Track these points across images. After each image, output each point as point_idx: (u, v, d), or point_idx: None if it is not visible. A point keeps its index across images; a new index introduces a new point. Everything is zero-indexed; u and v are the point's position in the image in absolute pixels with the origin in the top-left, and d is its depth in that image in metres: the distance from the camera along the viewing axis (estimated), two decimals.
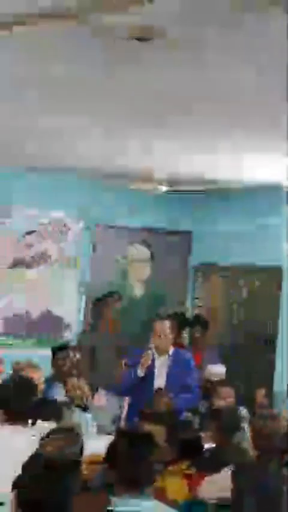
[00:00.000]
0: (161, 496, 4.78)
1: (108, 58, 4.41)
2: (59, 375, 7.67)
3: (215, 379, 8.21)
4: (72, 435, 4.30)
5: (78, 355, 8.02)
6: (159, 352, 7.25)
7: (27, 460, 3.30)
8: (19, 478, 3.22)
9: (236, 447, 5.50)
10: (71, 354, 7.83)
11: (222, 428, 5.63)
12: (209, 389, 7.99)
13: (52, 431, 4.45)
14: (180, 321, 9.50)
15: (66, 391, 7.22)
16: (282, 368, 8.60)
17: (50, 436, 4.30)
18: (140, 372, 7.11)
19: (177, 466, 5.01)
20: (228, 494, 4.67)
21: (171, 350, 7.30)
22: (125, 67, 4.61)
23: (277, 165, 7.40)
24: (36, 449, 3.87)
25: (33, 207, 9.25)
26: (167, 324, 7.37)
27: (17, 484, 3.21)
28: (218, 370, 8.57)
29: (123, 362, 7.59)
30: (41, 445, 4.10)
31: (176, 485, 4.82)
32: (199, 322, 9.38)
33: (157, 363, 7.23)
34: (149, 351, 7.16)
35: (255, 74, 4.54)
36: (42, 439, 4.30)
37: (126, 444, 3.69)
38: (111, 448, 3.75)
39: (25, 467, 3.26)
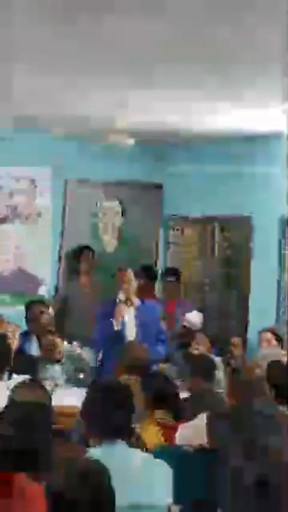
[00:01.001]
0: (137, 444, 4.84)
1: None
2: (33, 330, 7.69)
3: (192, 327, 8.28)
4: (42, 387, 4.32)
5: (51, 310, 8.05)
6: (127, 304, 7.27)
7: (3, 409, 3.32)
8: None
9: (212, 395, 5.55)
10: (45, 309, 7.85)
11: (197, 374, 5.68)
12: (184, 337, 8.06)
13: (23, 382, 4.46)
14: (152, 273, 9.55)
15: (41, 347, 7.25)
16: (255, 317, 8.65)
17: (21, 386, 4.31)
18: (115, 325, 7.13)
19: (152, 415, 5.03)
20: (203, 441, 4.71)
21: (137, 301, 7.31)
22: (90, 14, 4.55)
23: (251, 114, 7.39)
24: (9, 397, 3.88)
25: (3, 163, 9.17)
26: (130, 274, 7.39)
27: None
28: (195, 318, 8.64)
29: (95, 315, 7.58)
30: (13, 393, 4.12)
31: (151, 434, 4.85)
32: (171, 272, 9.41)
33: (127, 315, 7.26)
34: (121, 304, 7.18)
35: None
36: (13, 388, 4.33)
37: (103, 395, 3.70)
38: (88, 400, 3.76)
39: (2, 412, 3.28)
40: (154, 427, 4.94)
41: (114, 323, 7.15)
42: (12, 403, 3.37)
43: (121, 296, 7.27)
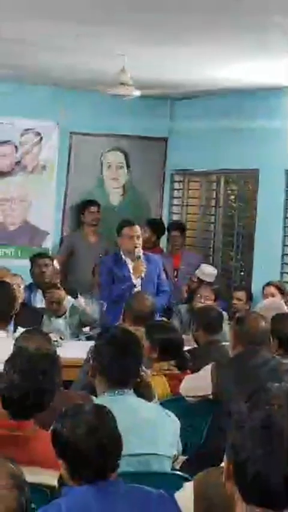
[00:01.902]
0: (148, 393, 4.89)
1: None
2: (38, 283, 7.71)
3: (206, 279, 8.31)
4: (46, 336, 4.34)
5: (56, 263, 8.06)
6: (130, 257, 7.24)
7: (11, 355, 3.35)
8: (4, 373, 3.29)
9: (217, 347, 5.59)
10: (50, 263, 7.85)
11: (202, 327, 5.70)
12: (192, 290, 8.10)
13: (28, 331, 4.49)
14: (157, 227, 9.57)
15: (46, 300, 7.27)
16: (259, 271, 8.66)
17: (26, 335, 4.35)
18: (135, 280, 7.12)
19: (158, 366, 5.07)
20: (208, 392, 4.75)
21: (141, 254, 7.27)
22: None
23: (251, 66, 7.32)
24: (14, 345, 3.90)
25: (8, 116, 9.14)
26: (138, 228, 7.36)
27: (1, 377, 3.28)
28: (210, 269, 8.66)
29: (100, 269, 7.59)
30: (17, 341, 4.15)
31: (158, 384, 4.89)
32: (176, 226, 9.42)
33: (130, 268, 7.23)
34: (141, 260, 7.14)
35: None
36: (19, 337, 4.37)
37: (111, 343, 3.71)
38: (96, 349, 3.77)
39: (9, 360, 3.32)
40: (161, 377, 4.98)
41: (133, 278, 7.11)
42: (18, 351, 3.40)
43: (139, 251, 7.20)
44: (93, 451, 2.77)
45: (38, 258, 7.94)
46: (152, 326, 5.28)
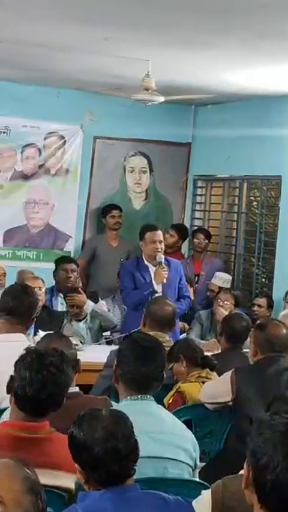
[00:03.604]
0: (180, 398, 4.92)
1: None
2: (60, 287, 7.70)
3: (221, 285, 8.29)
4: (66, 338, 4.34)
5: (79, 269, 8.03)
6: (152, 262, 7.20)
7: (22, 355, 3.36)
8: (15, 373, 3.29)
9: (238, 353, 5.57)
10: (73, 268, 7.81)
11: (226, 335, 5.68)
12: (212, 297, 8.08)
13: (48, 334, 4.50)
14: (183, 231, 9.57)
15: (67, 304, 7.26)
16: (280, 278, 8.62)
17: (46, 337, 4.35)
18: (156, 286, 7.09)
19: (197, 373, 5.09)
20: (227, 398, 4.74)
21: (163, 259, 7.25)
22: None
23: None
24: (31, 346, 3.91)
25: (32, 119, 9.18)
26: (160, 234, 7.33)
27: (13, 379, 3.28)
28: (224, 276, 8.67)
29: (123, 274, 7.57)
30: (38, 345, 4.16)
31: (194, 392, 4.92)
32: (201, 231, 9.40)
33: (152, 273, 7.19)
34: (163, 265, 7.11)
35: None
36: (39, 340, 4.38)
37: (136, 349, 3.70)
38: (120, 353, 3.76)
39: (20, 359, 3.33)
40: (199, 385, 4.98)
41: (155, 284, 7.09)
42: (28, 350, 3.40)
43: (161, 257, 7.16)
44: (109, 455, 2.77)
45: (64, 262, 7.83)
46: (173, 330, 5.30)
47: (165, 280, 7.07)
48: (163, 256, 7.17)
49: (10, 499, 1.95)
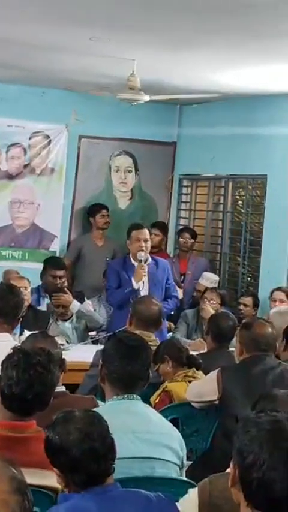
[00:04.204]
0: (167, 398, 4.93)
1: None
2: (46, 287, 7.67)
3: (209, 285, 8.29)
4: (51, 338, 4.34)
5: (65, 270, 8.00)
6: (137, 260, 7.19)
7: (8, 354, 3.36)
8: (2, 373, 3.29)
9: (224, 352, 5.58)
10: (64, 275, 7.77)
11: (212, 334, 5.68)
12: (198, 297, 8.09)
13: (33, 334, 4.50)
14: (166, 230, 9.58)
15: (53, 304, 7.26)
16: (265, 277, 8.64)
17: (31, 337, 4.35)
18: (136, 284, 7.07)
19: (183, 373, 5.10)
20: (213, 397, 4.75)
21: (149, 259, 7.25)
22: None
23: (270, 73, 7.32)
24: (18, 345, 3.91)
25: (18, 119, 9.16)
26: (146, 232, 7.32)
27: None
28: (212, 276, 8.67)
29: (108, 272, 7.56)
30: (23, 344, 4.16)
31: (181, 391, 4.93)
32: (187, 231, 9.41)
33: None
34: (142, 263, 7.09)
35: None
36: (24, 340, 4.38)
37: (120, 347, 3.70)
38: (105, 353, 3.76)
39: (6, 358, 3.33)
40: (186, 384, 4.99)
41: (134, 283, 7.07)
42: (14, 349, 3.40)
43: (143, 255, 7.15)
44: (86, 456, 2.77)
45: (54, 268, 7.77)
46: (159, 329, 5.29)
47: (144, 279, 7.06)
48: (143, 254, 7.13)
49: None
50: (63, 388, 3.98)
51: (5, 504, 1.93)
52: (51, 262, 7.94)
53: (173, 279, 7.61)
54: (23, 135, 9.28)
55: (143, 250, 7.13)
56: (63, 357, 4.12)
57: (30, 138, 9.33)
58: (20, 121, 9.18)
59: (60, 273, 7.67)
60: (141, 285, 7.05)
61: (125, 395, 3.60)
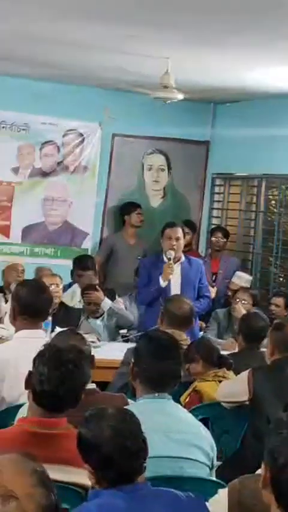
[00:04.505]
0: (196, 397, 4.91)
1: None
2: (79, 285, 7.69)
3: (242, 284, 8.25)
4: (81, 336, 4.33)
5: (97, 267, 8.02)
6: (174, 261, 7.15)
7: (40, 351, 3.36)
8: (34, 369, 3.30)
9: (255, 353, 5.55)
10: (94, 278, 7.80)
11: (243, 334, 5.66)
12: (229, 297, 8.06)
13: (63, 331, 4.50)
14: (193, 227, 9.55)
15: (84, 301, 7.26)
16: None
17: (61, 334, 4.35)
18: (163, 282, 7.03)
19: (213, 372, 5.08)
20: (244, 397, 4.73)
21: (182, 257, 7.22)
22: None
23: None
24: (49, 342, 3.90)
25: (51, 117, 9.19)
26: (179, 231, 7.27)
27: (31, 375, 3.29)
28: (245, 276, 8.63)
29: (139, 270, 7.54)
30: (53, 340, 4.16)
31: (212, 391, 4.92)
32: (220, 230, 9.36)
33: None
34: (170, 261, 7.05)
35: None
36: (54, 337, 4.38)
37: (152, 346, 3.69)
38: (137, 351, 3.75)
39: (38, 356, 3.33)
40: (216, 384, 4.97)
41: (162, 280, 7.02)
42: (46, 346, 3.41)
43: (171, 253, 7.12)
44: (118, 453, 2.76)
45: (79, 268, 7.83)
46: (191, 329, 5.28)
47: (174, 277, 7.03)
48: (172, 253, 7.07)
49: (22, 494, 1.94)
50: (93, 386, 3.98)
51: (31, 498, 1.92)
52: (77, 262, 8.01)
53: (204, 277, 7.56)
54: (56, 133, 9.31)
55: (173, 249, 7.08)
56: (91, 353, 4.12)
57: (63, 136, 9.36)
58: (53, 118, 9.21)
59: (91, 275, 7.73)
60: (167, 283, 6.99)
61: (156, 394, 3.59)
